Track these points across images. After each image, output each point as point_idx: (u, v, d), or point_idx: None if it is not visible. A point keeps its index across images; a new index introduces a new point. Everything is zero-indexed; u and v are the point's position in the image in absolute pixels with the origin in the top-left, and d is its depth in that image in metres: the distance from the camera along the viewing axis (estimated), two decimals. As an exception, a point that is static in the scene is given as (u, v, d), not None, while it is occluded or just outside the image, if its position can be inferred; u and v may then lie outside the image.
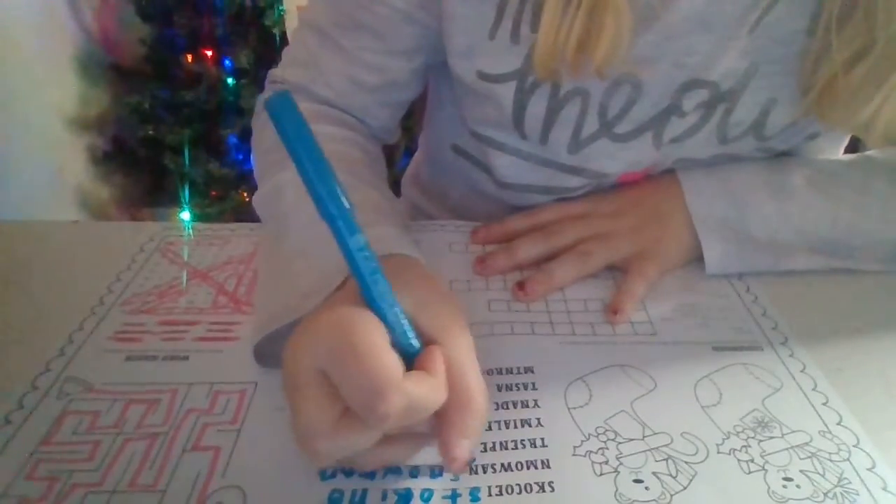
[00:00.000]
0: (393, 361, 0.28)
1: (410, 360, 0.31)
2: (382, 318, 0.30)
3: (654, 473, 0.34)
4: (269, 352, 0.39)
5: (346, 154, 0.49)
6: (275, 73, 0.56)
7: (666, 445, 0.35)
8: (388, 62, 0.51)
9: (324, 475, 0.33)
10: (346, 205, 0.28)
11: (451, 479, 0.33)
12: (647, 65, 0.44)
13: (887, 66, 0.41)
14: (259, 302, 0.44)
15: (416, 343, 0.31)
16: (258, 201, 0.47)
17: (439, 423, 0.31)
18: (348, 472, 0.33)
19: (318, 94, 0.53)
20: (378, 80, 0.52)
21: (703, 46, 0.43)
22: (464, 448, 0.30)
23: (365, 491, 0.33)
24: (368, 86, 0.52)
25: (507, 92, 0.47)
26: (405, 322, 0.30)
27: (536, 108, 0.47)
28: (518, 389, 0.39)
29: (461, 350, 0.32)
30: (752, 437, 0.36)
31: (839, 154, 0.57)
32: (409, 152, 0.75)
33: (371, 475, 0.33)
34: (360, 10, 0.49)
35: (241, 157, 1.71)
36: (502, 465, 0.34)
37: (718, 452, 0.35)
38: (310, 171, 0.27)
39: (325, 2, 0.52)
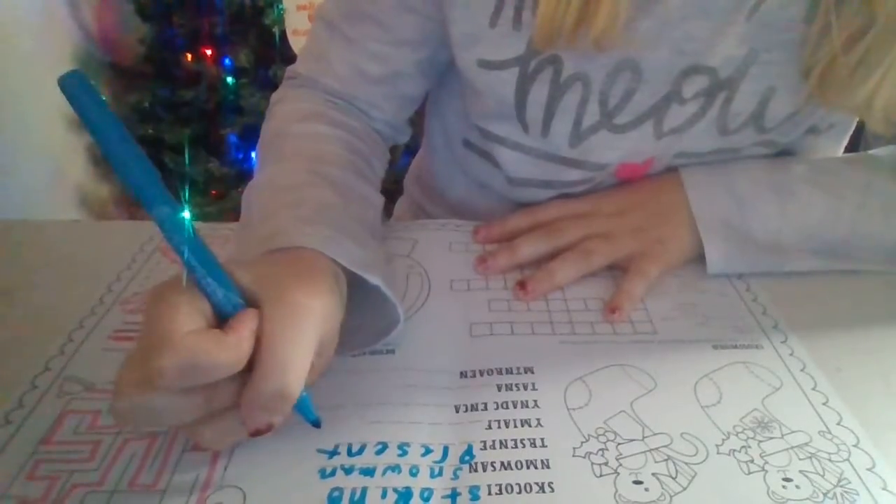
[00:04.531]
0: (178, 319, 0.29)
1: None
2: (191, 276, 0.30)
3: (653, 474, 0.34)
4: None
5: (321, 152, 0.49)
6: (290, 68, 0.58)
7: (666, 446, 0.35)
8: (391, 52, 0.52)
9: (323, 473, 0.33)
10: (152, 174, 0.28)
11: (451, 479, 0.33)
12: (647, 50, 0.44)
13: (886, 44, 0.41)
14: None
15: (232, 306, 0.31)
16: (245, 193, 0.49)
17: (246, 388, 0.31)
18: (348, 470, 0.34)
19: (325, 85, 0.54)
20: (382, 71, 0.53)
21: (702, 32, 0.43)
22: (253, 418, 0.30)
23: (365, 489, 0.33)
24: (373, 76, 0.53)
25: (509, 78, 0.48)
26: (217, 284, 0.30)
27: (538, 94, 0.48)
28: (518, 389, 0.39)
29: (284, 319, 0.31)
30: (752, 438, 0.36)
31: (840, 153, 0.57)
32: (411, 152, 0.75)
33: (371, 472, 0.33)
34: (364, 1, 0.51)
35: (241, 156, 1.71)
36: (502, 463, 0.34)
37: (718, 453, 0.35)
38: (109, 146, 0.27)
39: None
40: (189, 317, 0.29)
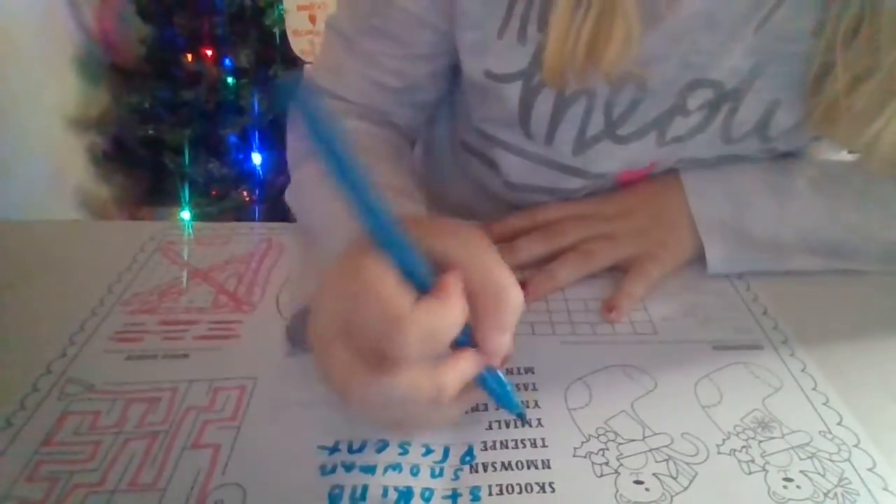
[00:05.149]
0: (401, 295, 0.29)
1: (426, 290, 0.31)
2: (390, 253, 0.30)
3: (654, 474, 0.34)
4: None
5: (367, 146, 0.51)
6: (307, 71, 0.58)
7: (666, 446, 0.35)
8: (407, 66, 0.52)
9: (324, 470, 0.33)
10: (360, 168, 0.28)
11: (452, 479, 0.33)
12: (653, 64, 0.43)
13: (890, 91, 0.41)
14: (293, 287, 0.47)
15: (426, 272, 0.31)
16: (288, 194, 0.51)
17: (476, 325, 0.31)
18: (349, 467, 0.34)
19: (343, 97, 0.54)
20: (399, 84, 0.53)
21: (709, 45, 0.43)
22: (498, 342, 0.31)
23: (365, 487, 0.33)
24: (390, 88, 0.53)
25: (513, 91, 0.47)
26: (414, 254, 0.30)
27: (542, 107, 0.48)
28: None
29: (481, 254, 0.32)
30: (753, 438, 0.36)
31: (841, 154, 0.57)
32: (410, 152, 0.75)
33: (371, 470, 0.33)
34: (376, 16, 0.50)
35: (241, 156, 1.71)
36: (503, 463, 0.34)
37: (719, 453, 0.35)
38: (326, 142, 0.27)
39: (347, 8, 0.53)
40: (404, 290, 0.29)
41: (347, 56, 0.53)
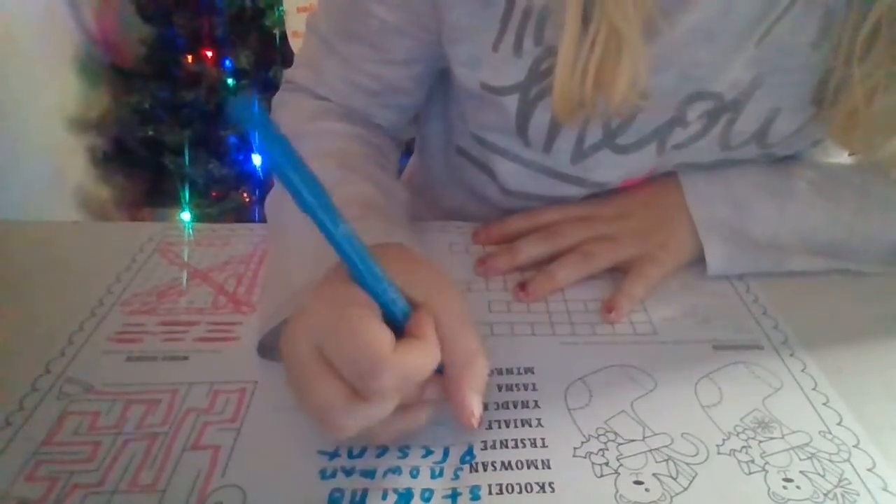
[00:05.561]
0: (382, 336, 0.29)
1: (402, 327, 0.32)
2: (369, 290, 0.31)
3: (654, 475, 0.34)
4: (273, 346, 0.39)
5: (343, 149, 0.49)
6: (287, 72, 0.57)
7: (666, 446, 0.35)
8: (385, 71, 0.52)
9: (324, 474, 0.33)
10: (324, 194, 0.29)
11: (452, 479, 0.33)
12: (652, 77, 0.43)
13: None
14: (260, 301, 0.46)
15: (405, 310, 0.32)
16: (267, 203, 0.49)
17: (448, 386, 0.32)
18: (349, 472, 0.34)
19: (321, 95, 0.54)
20: (378, 86, 0.53)
21: (709, 58, 0.43)
22: (477, 402, 0.32)
23: (365, 490, 0.33)
24: (369, 91, 0.53)
25: (510, 102, 0.47)
26: (393, 291, 0.32)
27: (540, 119, 0.47)
28: (518, 390, 0.39)
29: (452, 310, 0.33)
30: (753, 438, 0.36)
31: (843, 155, 0.57)
32: (408, 154, 0.75)
33: (371, 474, 0.33)
34: (354, 22, 0.50)
35: (241, 157, 1.71)
36: (503, 463, 0.34)
37: (719, 453, 0.35)
38: (284, 168, 0.28)
39: (325, 11, 0.52)
40: (384, 331, 0.30)
41: (325, 57, 0.53)
